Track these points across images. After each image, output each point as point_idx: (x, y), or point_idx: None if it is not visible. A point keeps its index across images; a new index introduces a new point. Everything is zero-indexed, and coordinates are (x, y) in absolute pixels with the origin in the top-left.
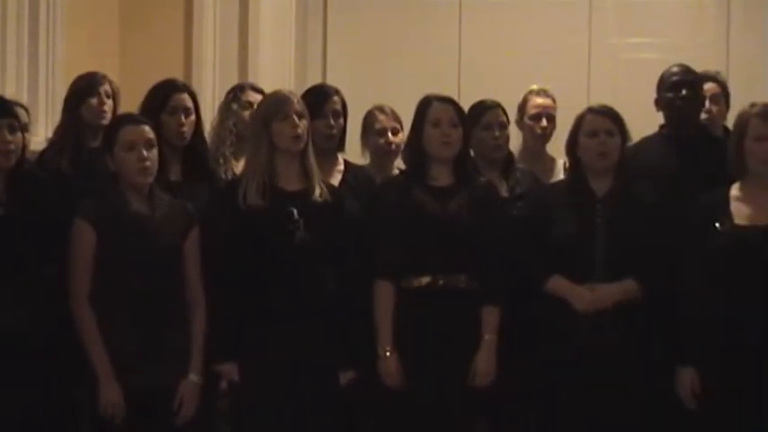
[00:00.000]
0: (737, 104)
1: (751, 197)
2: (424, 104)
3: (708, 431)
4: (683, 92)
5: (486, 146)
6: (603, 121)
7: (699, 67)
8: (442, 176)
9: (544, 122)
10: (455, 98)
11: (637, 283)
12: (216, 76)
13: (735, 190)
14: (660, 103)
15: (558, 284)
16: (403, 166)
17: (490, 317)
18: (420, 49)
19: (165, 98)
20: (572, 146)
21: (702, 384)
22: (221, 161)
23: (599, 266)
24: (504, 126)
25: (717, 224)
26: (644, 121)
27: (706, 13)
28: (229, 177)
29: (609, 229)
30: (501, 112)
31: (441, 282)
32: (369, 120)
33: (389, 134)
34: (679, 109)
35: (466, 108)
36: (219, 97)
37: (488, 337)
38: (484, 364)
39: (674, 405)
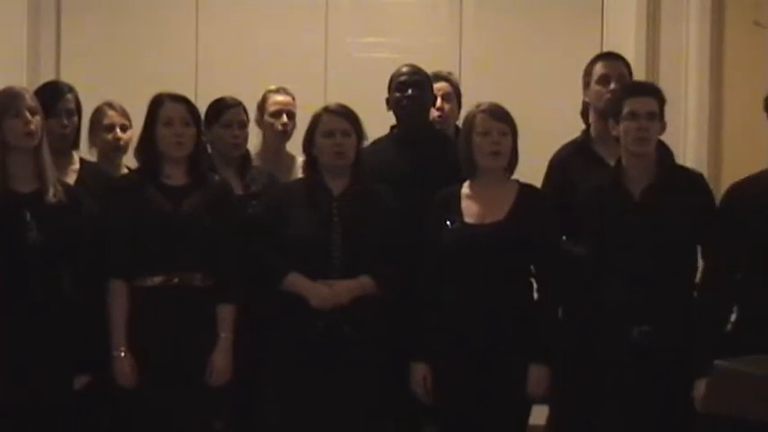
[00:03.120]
0: (469, 105)
1: (480, 195)
2: (156, 103)
3: (442, 423)
4: (410, 91)
5: (224, 143)
6: (339, 121)
7: (432, 68)
8: (176, 175)
9: (284, 119)
10: (192, 97)
11: (373, 279)
12: None
13: (465, 188)
14: (390, 103)
15: (296, 281)
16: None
17: (226, 315)
18: (157, 47)
19: None
20: (309, 145)
21: (435, 379)
22: None
23: (336, 264)
24: (243, 125)
25: (448, 222)
26: (380, 120)
27: (439, 14)
28: None
29: (345, 228)
30: (241, 110)
31: (175, 280)
32: (97, 115)
33: (118, 130)
34: (406, 108)
35: (203, 107)
36: None
37: (224, 335)
38: (220, 362)
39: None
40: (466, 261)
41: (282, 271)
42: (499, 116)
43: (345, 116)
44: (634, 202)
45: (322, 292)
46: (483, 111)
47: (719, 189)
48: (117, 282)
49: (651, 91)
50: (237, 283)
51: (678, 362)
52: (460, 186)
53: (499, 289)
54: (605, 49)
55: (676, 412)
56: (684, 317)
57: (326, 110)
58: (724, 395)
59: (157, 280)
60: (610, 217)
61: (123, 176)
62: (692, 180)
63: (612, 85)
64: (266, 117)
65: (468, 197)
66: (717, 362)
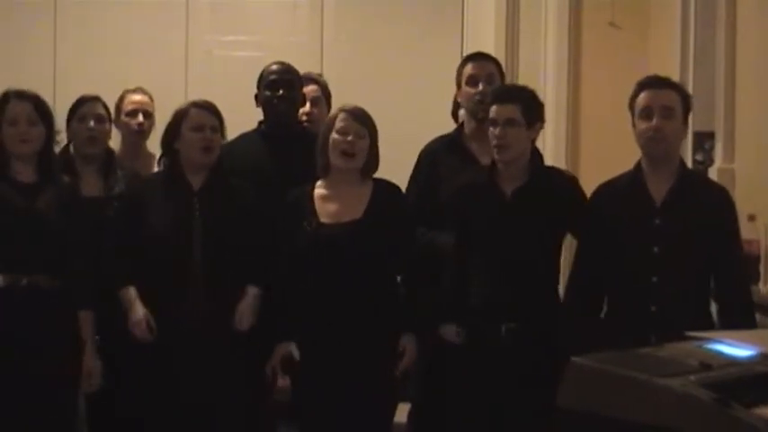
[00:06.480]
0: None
1: (335, 195)
2: (3, 101)
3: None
4: (281, 92)
5: (80, 138)
6: (209, 116)
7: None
8: (25, 173)
9: (140, 118)
10: (51, 98)
11: (256, 288)
12: None
13: (319, 188)
14: (259, 100)
15: (126, 296)
16: None
17: (85, 320)
18: (15, 47)
19: None
20: (172, 138)
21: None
22: None
23: (197, 258)
24: (100, 119)
25: (304, 222)
26: (239, 119)
27: (300, 13)
28: None
29: (205, 222)
30: (99, 104)
31: (24, 281)
32: None
33: None
34: (275, 107)
35: (63, 108)
36: None
37: (88, 341)
38: (90, 367)
39: None
40: (322, 261)
41: (124, 279)
42: (359, 118)
43: (214, 112)
44: (506, 202)
45: (140, 326)
46: (344, 110)
47: None
48: None
49: (512, 97)
50: (92, 288)
51: (544, 359)
52: (312, 186)
53: (360, 287)
54: (466, 52)
55: (543, 408)
56: (550, 315)
57: (194, 104)
58: (579, 391)
59: (5, 280)
60: (481, 215)
61: None
62: (564, 182)
63: (481, 86)
64: (123, 117)
65: (323, 197)
66: (573, 358)
